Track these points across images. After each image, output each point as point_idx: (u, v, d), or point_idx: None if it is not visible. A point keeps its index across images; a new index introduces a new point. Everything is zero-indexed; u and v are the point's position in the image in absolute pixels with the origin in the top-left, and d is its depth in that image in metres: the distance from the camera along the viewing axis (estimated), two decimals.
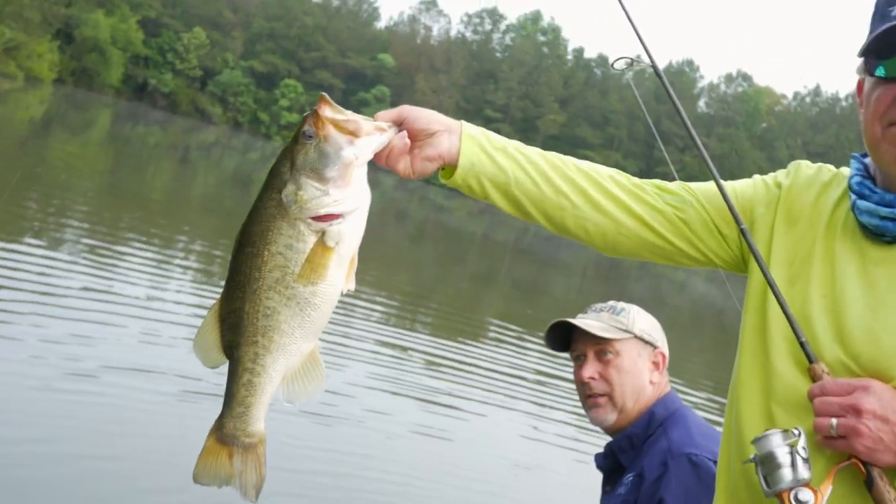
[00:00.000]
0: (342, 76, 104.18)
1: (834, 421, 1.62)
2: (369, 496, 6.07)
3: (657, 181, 2.02)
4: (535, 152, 1.92)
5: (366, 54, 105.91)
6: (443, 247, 31.01)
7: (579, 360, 2.88)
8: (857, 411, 1.60)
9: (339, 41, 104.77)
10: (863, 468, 1.62)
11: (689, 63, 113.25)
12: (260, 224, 1.68)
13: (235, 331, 1.69)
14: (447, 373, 9.86)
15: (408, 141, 1.80)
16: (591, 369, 2.84)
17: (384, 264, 19.17)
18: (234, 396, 1.71)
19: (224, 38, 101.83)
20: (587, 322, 2.84)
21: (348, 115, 1.73)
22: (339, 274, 1.71)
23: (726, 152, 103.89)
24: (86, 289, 9.06)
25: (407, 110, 1.83)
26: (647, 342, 2.87)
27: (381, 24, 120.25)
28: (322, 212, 1.67)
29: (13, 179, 15.74)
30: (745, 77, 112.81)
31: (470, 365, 10.51)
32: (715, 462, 2.46)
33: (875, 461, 1.60)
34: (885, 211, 1.71)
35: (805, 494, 1.60)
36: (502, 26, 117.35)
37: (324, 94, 1.73)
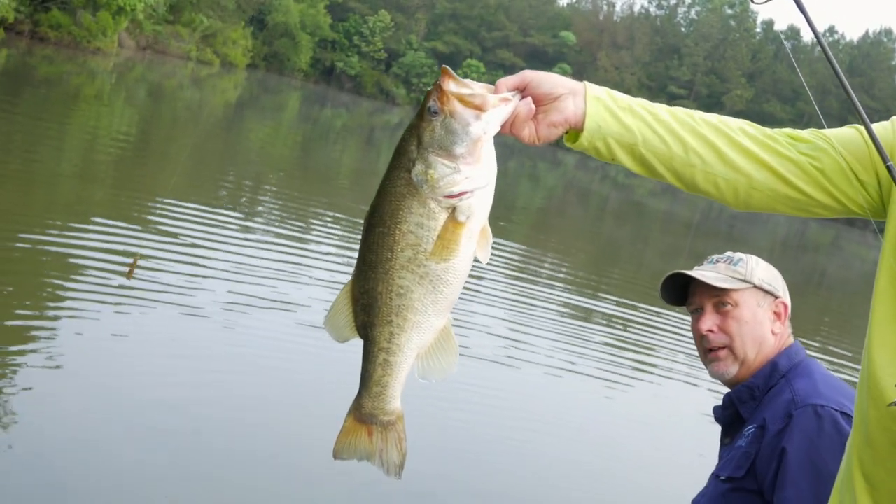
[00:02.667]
0: (523, 55, 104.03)
1: None
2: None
3: (790, 130, 1.92)
4: (662, 109, 1.85)
5: (547, 32, 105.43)
6: (625, 224, 30.69)
7: (697, 313, 2.79)
8: None
9: (520, 20, 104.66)
10: None
11: (888, 32, 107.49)
12: (390, 203, 1.65)
13: (369, 311, 1.69)
14: (627, 347, 9.82)
15: (533, 107, 1.76)
16: (709, 321, 2.74)
17: (567, 239, 19.17)
18: (370, 377, 1.72)
19: (408, 20, 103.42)
20: (703, 273, 2.75)
21: (473, 88, 1.68)
22: (470, 248, 1.68)
23: None
24: (279, 260, 9.48)
25: (529, 75, 1.78)
26: (767, 292, 2.75)
27: (563, 1, 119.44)
28: (455, 190, 1.64)
29: (211, 158, 16.55)
30: None
31: (650, 341, 10.42)
32: (841, 414, 2.45)
33: None
34: None
35: None
36: (687, 0, 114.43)
37: (446, 66, 1.68)
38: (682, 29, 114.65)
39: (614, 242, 24.52)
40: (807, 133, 1.88)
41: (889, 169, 1.73)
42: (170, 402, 5.60)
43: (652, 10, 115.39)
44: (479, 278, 11.88)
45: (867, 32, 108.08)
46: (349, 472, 4.72)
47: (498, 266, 13.41)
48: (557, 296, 12.84)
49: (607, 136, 1.80)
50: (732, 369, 2.73)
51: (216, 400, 5.85)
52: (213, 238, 10.46)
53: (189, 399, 5.73)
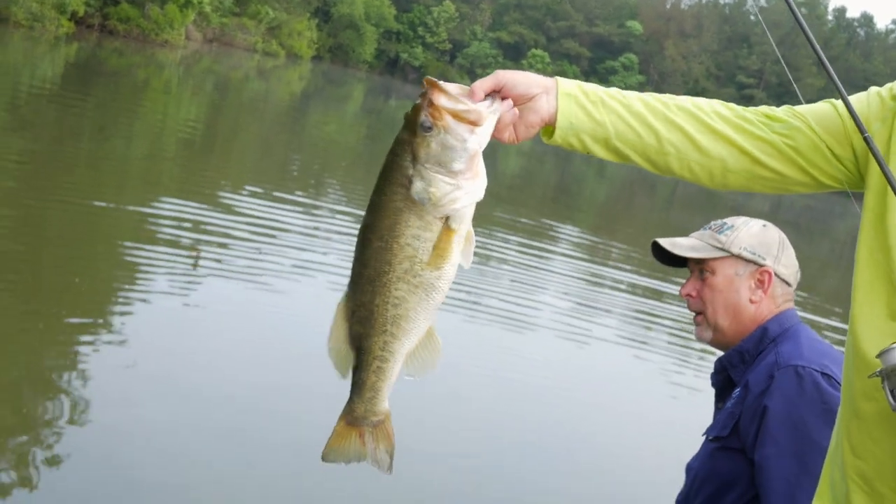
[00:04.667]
0: (588, 45, 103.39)
1: None
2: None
3: (765, 108, 1.91)
4: (635, 98, 1.85)
5: (613, 21, 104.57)
6: (694, 213, 30.27)
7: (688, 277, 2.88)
8: None
9: (586, 9, 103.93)
10: None
11: None
12: (387, 218, 1.65)
13: (365, 323, 1.71)
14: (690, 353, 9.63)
15: (517, 113, 1.75)
16: (689, 287, 2.84)
17: (637, 232, 18.97)
18: (364, 383, 1.74)
19: (472, 11, 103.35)
20: (677, 242, 2.82)
21: (465, 102, 1.65)
22: (458, 253, 1.69)
23: None
24: (345, 249, 9.50)
25: (504, 77, 1.73)
26: (748, 260, 2.76)
27: None
28: (458, 206, 1.64)
29: (279, 153, 16.65)
30: None
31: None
32: (822, 375, 2.50)
33: None
34: None
35: None
36: None
37: (431, 78, 1.64)
38: (752, 17, 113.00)
39: (684, 231, 24.17)
40: (782, 111, 1.90)
41: (866, 140, 1.74)
42: (240, 397, 5.58)
43: None
44: (550, 271, 11.75)
45: None
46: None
47: (567, 255, 13.25)
48: (627, 287, 12.65)
49: (580, 132, 1.81)
50: (707, 334, 2.82)
51: (288, 392, 5.81)
52: (279, 226, 10.50)
53: (259, 388, 5.71)
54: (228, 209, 10.87)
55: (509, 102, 1.73)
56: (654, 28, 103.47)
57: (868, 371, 1.67)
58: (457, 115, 1.64)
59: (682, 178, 1.91)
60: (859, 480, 1.75)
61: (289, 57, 71.00)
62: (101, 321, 6.41)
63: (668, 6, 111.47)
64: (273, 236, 9.97)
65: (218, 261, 8.45)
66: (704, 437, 2.81)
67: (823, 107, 1.90)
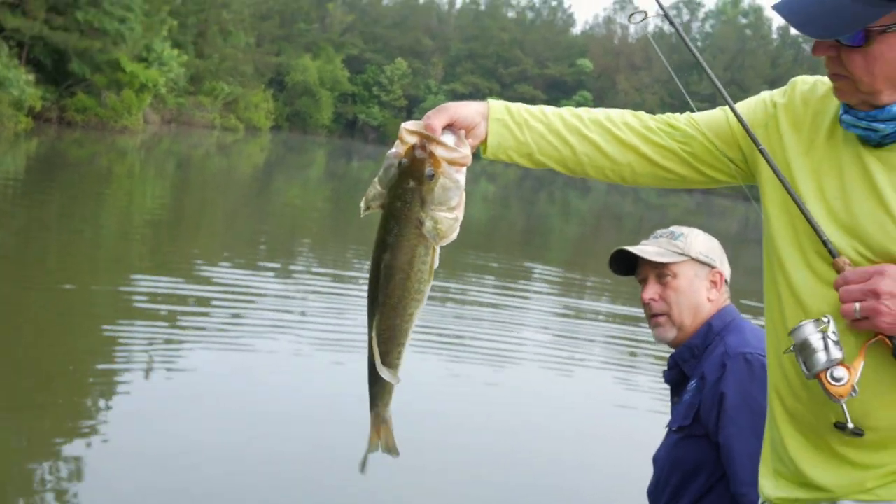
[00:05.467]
0: (542, 87, 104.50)
1: (857, 305, 1.82)
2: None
3: (668, 117, 2.22)
4: (555, 117, 2.16)
5: (564, 62, 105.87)
6: None
7: (642, 284, 3.13)
8: (875, 294, 1.80)
9: (536, 53, 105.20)
10: (888, 341, 1.82)
11: None
12: (405, 255, 1.92)
13: (389, 342, 1.98)
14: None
15: (475, 143, 2.06)
16: (651, 291, 3.09)
17: (603, 264, 19.08)
18: (388, 391, 2.03)
19: (425, 66, 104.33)
20: (644, 250, 3.08)
21: (457, 150, 1.93)
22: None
23: None
24: (321, 315, 9.58)
25: (454, 112, 2.00)
26: (704, 263, 3.08)
27: (576, 29, 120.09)
28: (455, 234, 1.92)
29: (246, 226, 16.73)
30: None
31: None
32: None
33: None
34: (863, 124, 1.88)
35: (839, 372, 1.82)
36: (700, 14, 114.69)
37: (428, 134, 1.90)
38: (699, 43, 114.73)
39: None
40: (682, 121, 2.20)
41: (762, 153, 2.03)
42: (223, 450, 5.65)
43: (666, 28, 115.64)
44: (526, 309, 11.87)
45: None
46: None
47: (543, 292, 13.37)
48: (601, 320, 12.79)
49: (507, 149, 2.13)
50: (671, 333, 3.08)
51: (264, 451, 5.88)
52: (255, 291, 10.58)
53: (239, 445, 5.78)
54: (202, 280, 11.00)
55: (463, 133, 2.00)
56: (604, 64, 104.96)
57: (785, 347, 1.97)
58: (452, 162, 1.91)
59: (599, 180, 2.24)
60: (791, 429, 2.06)
61: (248, 130, 71.31)
62: (87, 401, 6.48)
63: (615, 42, 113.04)
64: (250, 301, 10.08)
65: (199, 329, 8.55)
66: (667, 429, 3.09)
67: (716, 114, 2.21)
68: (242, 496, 5.18)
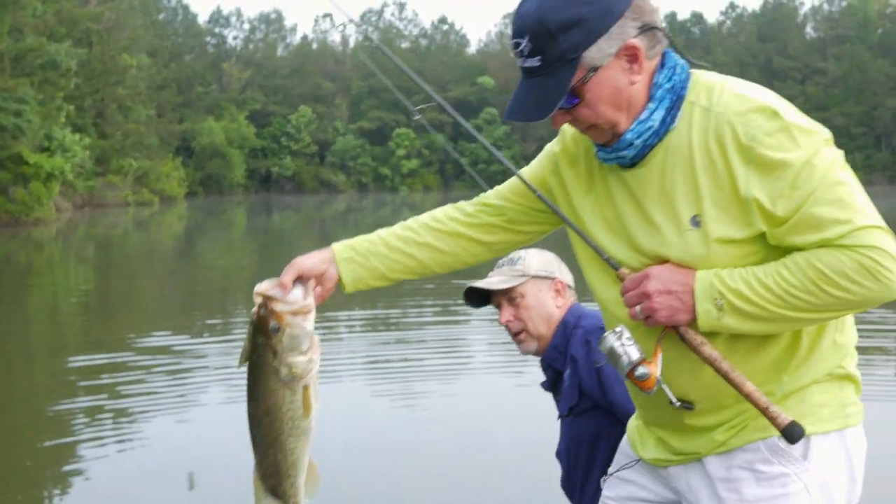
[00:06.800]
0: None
1: (637, 308, 2.07)
2: None
3: (483, 197, 2.47)
4: (391, 236, 2.42)
5: (465, 82, 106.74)
6: None
7: (499, 309, 3.46)
8: (647, 295, 2.04)
9: (436, 77, 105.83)
10: (675, 331, 2.06)
11: None
12: (269, 399, 2.15)
13: (275, 476, 2.20)
14: None
15: (320, 288, 2.32)
16: (506, 314, 3.43)
17: None
18: None
19: (329, 108, 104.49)
20: (490, 281, 3.42)
21: (297, 302, 2.15)
22: (315, 397, 2.19)
23: (848, 71, 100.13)
24: None
25: (300, 265, 2.25)
26: (543, 277, 3.42)
27: (472, 49, 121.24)
28: (313, 372, 2.16)
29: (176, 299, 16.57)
30: None
31: None
32: None
33: (678, 323, 2.04)
34: (612, 156, 2.14)
35: (641, 370, 2.07)
36: None
37: (264, 293, 2.14)
38: None
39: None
40: (492, 197, 2.45)
41: (540, 197, 2.32)
42: None
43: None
44: (468, 322, 11.96)
45: (766, 0, 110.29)
46: None
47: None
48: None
49: (362, 279, 2.39)
50: (533, 345, 3.44)
51: None
52: (196, 353, 10.56)
53: None
54: (140, 350, 10.94)
55: (312, 283, 2.27)
56: (504, 78, 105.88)
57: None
58: (295, 313, 2.14)
59: (445, 272, 2.49)
60: (644, 412, 2.43)
61: (163, 201, 70.63)
62: (49, 490, 6.43)
63: (512, 55, 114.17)
64: (190, 368, 10.04)
65: (143, 395, 8.51)
66: (560, 418, 3.44)
67: (514, 181, 2.44)
68: None
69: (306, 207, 67.34)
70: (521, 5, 2.07)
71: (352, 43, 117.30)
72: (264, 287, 2.16)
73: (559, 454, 3.44)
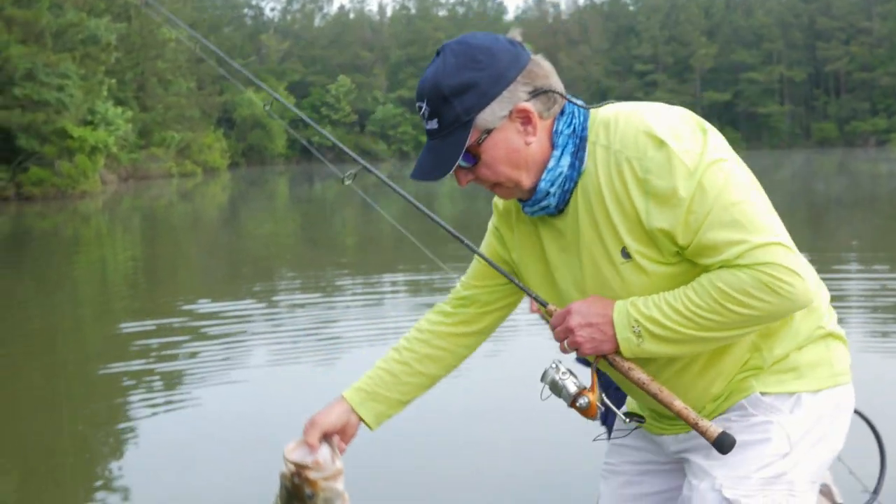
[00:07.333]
0: None
1: (565, 342, 2.17)
2: None
3: (455, 293, 2.54)
4: (394, 365, 2.48)
5: None
6: None
7: None
8: (570, 330, 2.14)
9: None
10: (605, 359, 2.17)
11: None
12: None
13: None
14: None
15: (343, 444, 2.40)
16: None
17: None
18: None
19: (368, 78, 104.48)
20: None
21: (328, 468, 2.22)
22: None
23: (893, 30, 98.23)
24: (312, 332, 9.73)
25: (322, 423, 2.33)
26: None
27: (509, 16, 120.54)
28: None
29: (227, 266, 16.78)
30: None
31: None
32: None
33: (603, 352, 2.14)
34: (536, 208, 2.21)
35: (582, 399, 2.18)
36: None
37: (298, 462, 2.21)
38: (631, 8, 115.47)
39: None
40: (462, 290, 2.52)
41: (508, 278, 2.38)
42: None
43: None
44: None
45: None
46: None
47: None
48: None
49: (385, 414, 2.47)
50: None
51: None
52: (245, 319, 10.75)
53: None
54: (187, 315, 11.14)
55: (336, 439, 2.35)
56: (542, 44, 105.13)
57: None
58: (327, 479, 2.21)
59: (453, 370, 2.56)
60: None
61: (206, 172, 71.18)
62: (104, 455, 6.59)
63: (549, 20, 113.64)
64: (242, 332, 10.22)
65: (190, 358, 8.67)
66: None
67: (475, 264, 2.51)
68: None
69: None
70: (425, 71, 2.16)
71: (389, 12, 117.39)
72: (296, 456, 2.23)
73: None
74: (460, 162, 2.11)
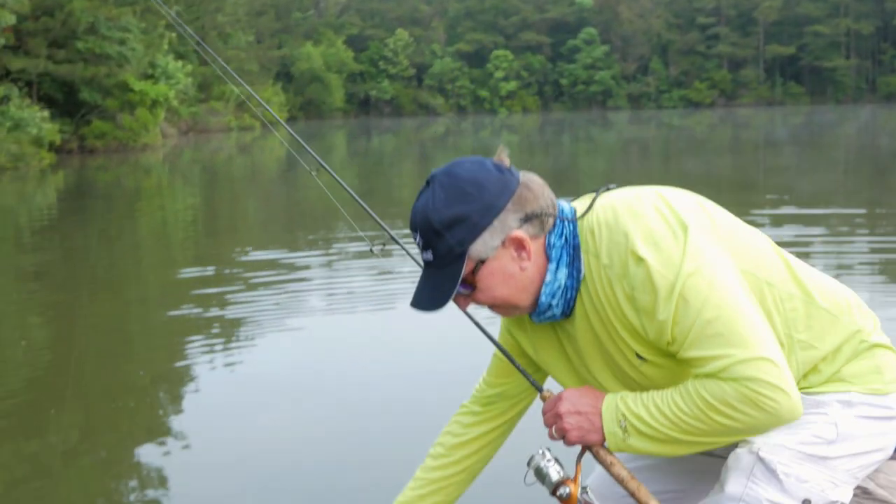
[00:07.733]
0: (546, 31, 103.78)
1: (553, 428, 2.17)
2: None
3: (480, 392, 2.57)
4: (435, 472, 2.55)
5: (563, 2, 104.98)
6: (702, 157, 30.54)
7: None
8: (559, 416, 2.15)
9: None
10: (589, 450, 2.17)
11: None
12: None
13: None
14: None
15: None
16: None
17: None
18: None
19: (426, 31, 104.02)
20: None
21: None
22: None
23: None
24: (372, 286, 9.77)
25: None
26: None
27: None
28: None
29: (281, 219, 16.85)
30: None
31: None
32: None
33: (590, 443, 2.15)
34: (543, 318, 2.24)
35: (564, 489, 2.19)
36: None
37: None
38: None
39: (691, 176, 24.40)
40: (487, 390, 2.55)
41: (522, 373, 2.39)
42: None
43: None
44: None
45: None
46: None
47: None
48: None
49: None
50: None
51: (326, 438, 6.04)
52: (300, 272, 10.82)
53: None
54: (246, 265, 11.25)
55: None
56: None
57: None
58: None
59: (491, 458, 2.60)
60: None
61: (264, 126, 71.61)
62: (166, 401, 6.69)
63: None
64: (294, 280, 10.29)
65: (249, 304, 8.74)
66: None
67: (492, 361, 2.56)
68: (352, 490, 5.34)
69: (405, 130, 67.53)
70: (415, 201, 2.18)
71: None
72: None
73: None
74: (458, 289, 2.14)
